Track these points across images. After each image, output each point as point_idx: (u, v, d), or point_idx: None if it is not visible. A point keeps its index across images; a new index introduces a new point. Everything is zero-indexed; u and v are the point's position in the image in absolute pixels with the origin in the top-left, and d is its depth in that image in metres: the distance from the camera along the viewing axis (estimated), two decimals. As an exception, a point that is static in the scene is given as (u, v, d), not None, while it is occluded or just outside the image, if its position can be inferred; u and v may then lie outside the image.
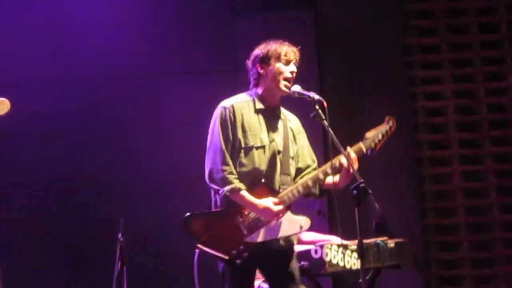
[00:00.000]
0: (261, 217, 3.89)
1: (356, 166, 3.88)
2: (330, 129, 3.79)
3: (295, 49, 4.05)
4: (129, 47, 6.11)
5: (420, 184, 6.19)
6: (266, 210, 3.88)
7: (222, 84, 5.93)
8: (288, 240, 4.00)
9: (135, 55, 6.14)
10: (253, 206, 3.88)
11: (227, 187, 3.87)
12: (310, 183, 3.96)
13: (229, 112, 3.96)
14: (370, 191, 3.58)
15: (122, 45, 6.09)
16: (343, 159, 3.90)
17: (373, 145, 4.05)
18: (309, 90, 3.97)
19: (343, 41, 6.22)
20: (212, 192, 3.99)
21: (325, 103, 3.85)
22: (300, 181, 4.00)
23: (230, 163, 3.90)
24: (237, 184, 3.88)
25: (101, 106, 6.16)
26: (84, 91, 6.15)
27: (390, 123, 4.13)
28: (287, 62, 3.99)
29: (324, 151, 4.83)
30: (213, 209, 3.98)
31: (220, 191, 3.89)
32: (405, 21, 6.32)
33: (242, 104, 4.01)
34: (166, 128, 6.15)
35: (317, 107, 3.86)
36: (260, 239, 3.89)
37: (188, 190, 5.72)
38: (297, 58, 4.04)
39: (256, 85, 4.07)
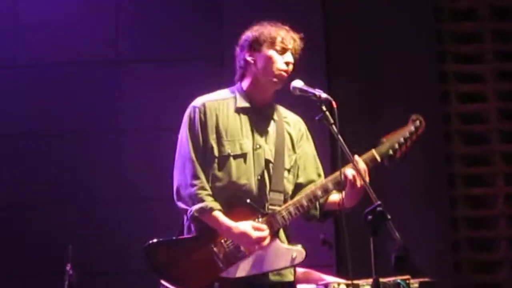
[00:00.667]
0: (241, 245, 3.88)
1: (366, 179, 3.87)
2: (339, 136, 3.79)
3: (296, 36, 4.05)
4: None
5: (452, 209, 6.21)
6: (243, 235, 3.86)
7: (203, 77, 6.02)
8: (280, 275, 3.99)
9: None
10: (227, 231, 3.88)
11: (196, 206, 3.87)
12: (305, 202, 3.95)
13: (199, 112, 3.98)
14: (389, 217, 3.58)
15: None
16: (348, 171, 3.89)
17: (391, 152, 4.06)
18: (314, 87, 3.98)
19: (358, 24, 6.24)
20: (184, 217, 4.00)
21: (334, 103, 3.85)
22: (293, 200, 3.99)
23: (202, 176, 3.92)
24: (208, 202, 3.88)
25: (49, 100, 6.20)
26: (33, 80, 6.24)
27: (417, 123, 4.11)
28: (283, 51, 4.00)
29: (331, 163, 4.84)
30: (185, 236, 3.99)
31: (188, 211, 3.89)
32: (437, 2, 6.36)
33: (218, 103, 4.02)
34: (124, 132, 6.22)
35: (324, 108, 3.84)
36: (240, 273, 3.89)
37: (158, 212, 5.78)
38: (297, 47, 4.05)
39: (242, 77, 4.09)
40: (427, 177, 6.09)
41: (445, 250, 6.12)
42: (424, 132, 4.09)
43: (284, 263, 3.95)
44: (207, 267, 3.88)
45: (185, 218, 4.00)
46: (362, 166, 3.91)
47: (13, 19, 6.29)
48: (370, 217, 3.60)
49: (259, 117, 4.05)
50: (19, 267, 6.04)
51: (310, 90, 3.93)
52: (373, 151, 4.04)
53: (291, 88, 4.00)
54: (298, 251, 3.94)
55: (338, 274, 5.74)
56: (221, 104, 4.03)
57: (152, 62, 6.23)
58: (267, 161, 4.00)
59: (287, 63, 4.00)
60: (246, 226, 3.88)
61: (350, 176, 3.89)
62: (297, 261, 3.95)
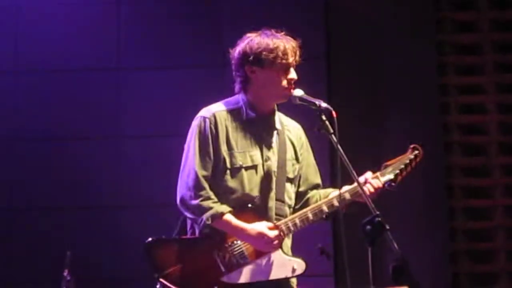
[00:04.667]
0: (255, 247, 3.89)
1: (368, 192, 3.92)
2: (339, 146, 3.79)
3: (295, 44, 4.01)
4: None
5: (451, 220, 6.20)
6: (260, 235, 3.88)
7: (203, 84, 6.03)
8: (284, 284, 4.00)
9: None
10: (243, 232, 3.89)
11: (207, 214, 3.88)
12: (310, 215, 3.97)
13: (210, 123, 3.96)
14: (387, 227, 3.59)
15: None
16: (354, 191, 3.93)
17: (392, 177, 4.10)
18: (314, 96, 3.98)
19: (360, 35, 6.25)
20: (189, 222, 4.01)
21: (334, 113, 3.85)
22: (299, 212, 4.01)
23: (206, 186, 3.91)
24: (217, 207, 3.89)
25: (50, 107, 6.21)
26: (33, 86, 6.27)
27: (416, 152, 4.16)
28: (286, 67, 3.96)
29: (331, 174, 4.85)
30: (189, 236, 3.99)
31: (199, 221, 3.90)
32: (439, 13, 6.36)
33: (227, 113, 4.01)
34: (125, 139, 6.21)
35: (323, 117, 3.85)
36: (242, 279, 3.90)
37: (157, 218, 5.78)
38: (298, 58, 4.02)
39: (244, 90, 4.05)
40: (426, 188, 6.08)
41: (444, 261, 6.11)
42: (422, 160, 4.15)
43: (285, 273, 3.96)
44: (208, 270, 3.89)
45: (189, 223, 4.01)
46: (376, 184, 3.99)
47: (14, 25, 6.29)
48: (368, 227, 3.60)
49: (264, 127, 4.06)
50: (16, 273, 6.03)
51: (310, 99, 3.94)
52: (378, 175, 4.07)
53: (291, 97, 4.00)
54: (298, 263, 3.97)
55: (337, 284, 5.75)
56: (230, 114, 4.01)
57: (153, 69, 6.23)
58: (274, 173, 4.02)
59: (290, 80, 3.98)
60: (262, 226, 3.91)
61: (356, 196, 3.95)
62: (297, 273, 3.97)
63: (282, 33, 4.03)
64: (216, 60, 6.00)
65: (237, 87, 4.08)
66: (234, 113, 4.02)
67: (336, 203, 3.96)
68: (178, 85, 6.16)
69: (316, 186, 4.17)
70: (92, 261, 5.80)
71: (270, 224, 3.93)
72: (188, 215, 3.95)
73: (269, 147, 4.04)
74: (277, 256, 3.95)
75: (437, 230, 6.13)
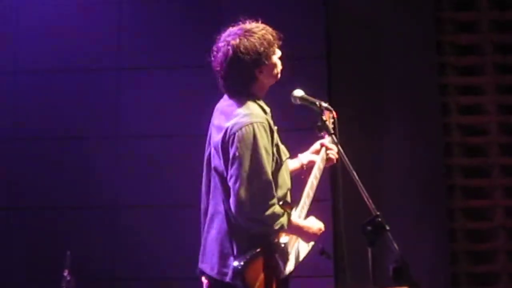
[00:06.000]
0: (312, 240, 3.96)
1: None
2: (340, 146, 3.80)
3: (269, 28, 4.02)
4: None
5: (451, 220, 6.20)
6: (320, 229, 3.97)
7: (203, 84, 6.02)
8: None
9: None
10: (309, 230, 3.94)
11: (282, 220, 3.81)
12: (311, 193, 4.05)
13: (266, 128, 3.85)
14: (387, 227, 3.59)
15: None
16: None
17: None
18: (315, 96, 3.98)
19: (360, 35, 6.25)
20: (246, 235, 3.86)
21: (334, 113, 3.86)
22: (307, 187, 4.06)
23: (275, 194, 3.83)
24: (285, 213, 3.85)
25: (49, 106, 6.22)
26: (33, 86, 6.27)
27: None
28: (278, 51, 3.99)
29: (331, 172, 4.84)
30: (249, 252, 3.84)
31: (273, 229, 3.80)
32: (439, 13, 6.36)
33: (266, 117, 3.94)
34: (124, 139, 6.22)
35: (324, 117, 3.87)
36: (288, 269, 3.91)
37: (157, 219, 5.79)
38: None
39: (248, 89, 3.96)
40: (426, 188, 6.08)
41: (443, 262, 6.11)
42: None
43: (307, 249, 4.01)
44: (273, 272, 3.85)
45: (246, 233, 3.84)
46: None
47: (13, 25, 6.30)
48: (368, 228, 3.61)
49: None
50: (16, 273, 6.04)
51: (311, 99, 3.95)
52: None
53: (291, 97, 4.00)
54: None
55: (337, 284, 5.75)
56: (267, 118, 3.96)
57: (153, 69, 6.23)
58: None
59: (279, 58, 4.00)
60: (318, 222, 3.99)
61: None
62: (310, 246, 4.00)
63: (254, 22, 4.05)
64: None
65: (233, 90, 3.99)
66: (266, 116, 3.97)
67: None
68: (178, 85, 6.16)
69: None
70: (92, 261, 5.80)
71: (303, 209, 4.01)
72: (257, 227, 3.80)
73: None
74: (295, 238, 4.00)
75: (437, 231, 6.12)
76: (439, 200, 6.17)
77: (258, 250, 3.81)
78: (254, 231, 3.80)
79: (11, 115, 6.23)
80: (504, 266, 6.16)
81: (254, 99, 3.95)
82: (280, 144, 3.95)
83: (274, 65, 3.95)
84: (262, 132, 3.80)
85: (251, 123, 3.81)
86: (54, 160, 6.16)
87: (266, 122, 3.85)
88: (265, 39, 3.92)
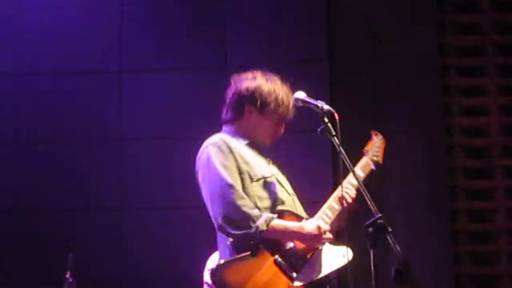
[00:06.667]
0: (309, 243, 3.89)
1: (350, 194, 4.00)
2: (341, 148, 3.80)
3: (293, 99, 4.06)
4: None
5: (453, 221, 6.20)
6: (318, 230, 3.89)
7: (205, 86, 6.03)
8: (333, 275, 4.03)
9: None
10: (300, 230, 3.89)
11: (260, 221, 3.83)
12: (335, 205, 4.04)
13: (223, 145, 3.98)
14: (389, 229, 3.59)
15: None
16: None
17: (376, 159, 4.27)
18: (316, 98, 3.99)
19: (362, 36, 6.25)
20: (226, 245, 3.92)
21: (336, 115, 3.86)
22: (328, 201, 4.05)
23: (245, 196, 3.89)
24: (266, 214, 3.87)
25: (51, 108, 6.22)
26: (36, 87, 6.26)
27: (379, 135, 4.38)
28: (282, 121, 4.10)
29: (333, 176, 4.85)
30: (242, 254, 3.87)
31: (252, 232, 3.82)
32: (441, 14, 6.37)
33: (229, 139, 4.05)
34: (131, 142, 6.22)
35: (326, 119, 3.86)
36: (309, 279, 3.88)
37: (158, 220, 5.79)
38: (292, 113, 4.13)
39: (234, 120, 4.14)
40: (428, 189, 6.08)
41: (446, 263, 6.10)
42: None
43: (341, 261, 3.94)
44: (277, 278, 3.84)
45: (227, 242, 3.91)
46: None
47: (16, 27, 6.30)
48: (370, 229, 3.60)
49: (260, 150, 4.14)
50: (18, 275, 6.04)
51: (312, 101, 3.95)
52: (366, 158, 4.23)
53: (293, 98, 4.02)
54: (346, 249, 3.93)
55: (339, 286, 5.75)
56: (232, 140, 4.05)
57: (155, 71, 6.23)
58: (285, 183, 4.12)
59: (278, 132, 4.13)
60: (314, 221, 3.94)
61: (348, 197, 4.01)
62: (349, 258, 3.93)
63: (286, 86, 4.13)
64: (218, 62, 6.02)
65: (226, 116, 4.15)
66: (233, 139, 4.07)
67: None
68: (180, 87, 6.16)
69: None
70: (93, 263, 5.81)
71: (319, 219, 3.96)
72: (236, 232, 3.85)
73: (270, 165, 4.13)
74: (325, 249, 3.96)
75: (440, 232, 6.12)
76: (441, 201, 6.17)
77: (246, 254, 3.83)
78: (237, 237, 3.85)
79: (13, 117, 6.23)
80: (507, 267, 6.16)
81: (240, 134, 4.09)
82: (254, 162, 4.01)
83: (267, 127, 4.07)
84: (217, 151, 3.94)
85: (206, 147, 3.99)
86: (56, 162, 6.16)
87: (221, 142, 3.97)
88: (281, 100, 4.06)
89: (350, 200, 4.02)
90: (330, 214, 4.01)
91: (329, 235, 3.94)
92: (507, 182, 6.24)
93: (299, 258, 3.90)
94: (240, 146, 4.05)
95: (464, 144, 6.30)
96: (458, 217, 6.22)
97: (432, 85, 6.24)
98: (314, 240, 3.91)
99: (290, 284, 3.84)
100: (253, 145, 4.11)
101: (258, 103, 4.05)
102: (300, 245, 3.93)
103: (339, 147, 3.79)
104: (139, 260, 5.94)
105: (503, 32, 6.35)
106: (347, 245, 3.95)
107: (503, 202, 6.22)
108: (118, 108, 6.23)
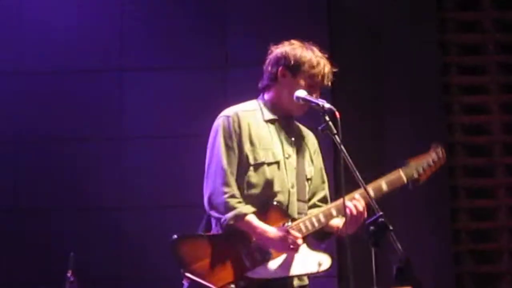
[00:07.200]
0: (273, 248, 3.90)
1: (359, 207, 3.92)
2: (343, 147, 3.79)
3: (332, 70, 4.06)
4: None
5: (454, 220, 6.20)
6: (279, 239, 3.89)
7: (206, 85, 6.03)
8: (301, 279, 4.02)
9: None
10: (262, 234, 3.90)
11: (229, 214, 3.89)
12: (322, 218, 3.98)
13: (233, 122, 3.99)
14: (391, 228, 3.59)
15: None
16: (348, 201, 3.90)
17: (416, 176, 4.12)
18: (317, 97, 3.99)
19: (363, 35, 6.25)
20: (213, 222, 4.01)
21: (337, 114, 3.86)
22: (312, 213, 4.02)
23: (233, 184, 3.93)
24: (241, 208, 3.90)
25: (52, 107, 6.22)
26: (36, 87, 6.27)
27: (439, 152, 4.18)
28: (315, 87, 4.03)
29: (334, 175, 4.84)
30: (213, 232, 3.98)
31: (222, 220, 3.90)
32: (442, 13, 6.37)
33: (248, 113, 4.05)
34: (132, 141, 6.22)
35: (327, 118, 3.85)
36: (266, 275, 3.90)
37: (160, 220, 5.79)
38: (329, 82, 4.08)
39: (268, 88, 4.11)
40: (429, 188, 6.05)
41: (447, 262, 6.11)
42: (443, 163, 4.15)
43: (312, 268, 3.96)
44: (233, 264, 3.89)
45: (214, 224, 4.00)
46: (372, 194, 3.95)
47: (17, 26, 6.30)
48: (372, 227, 3.61)
49: (284, 127, 4.10)
50: (19, 275, 6.04)
51: (313, 100, 3.95)
52: (400, 170, 4.10)
53: (294, 97, 4.02)
54: (325, 258, 3.96)
55: (340, 285, 5.75)
56: (251, 114, 4.05)
57: (156, 70, 6.23)
58: (295, 169, 4.06)
59: (316, 93, 4.03)
60: (282, 230, 3.91)
61: (350, 205, 3.93)
62: (323, 268, 3.96)
63: (324, 58, 4.09)
64: (219, 61, 6.02)
65: (261, 84, 4.13)
66: (255, 113, 4.07)
67: (338, 212, 3.98)
68: (181, 86, 6.16)
69: (322, 200, 4.17)
70: (95, 263, 5.81)
71: (291, 230, 3.91)
72: (214, 214, 3.95)
73: (289, 146, 4.08)
74: (302, 251, 3.95)
75: (441, 231, 6.13)
76: (442, 200, 6.18)
77: (210, 234, 3.93)
78: (215, 219, 3.94)
79: (14, 117, 6.23)
80: (508, 266, 6.17)
81: (268, 105, 4.07)
82: (266, 142, 4.00)
83: (300, 88, 3.99)
84: (226, 126, 3.98)
85: (220, 117, 4.04)
86: (57, 161, 6.16)
87: (234, 117, 3.99)
88: (316, 63, 4.02)
89: (355, 212, 3.96)
90: (316, 223, 3.97)
91: (299, 242, 3.90)
92: (508, 180, 6.25)
93: (263, 253, 3.91)
94: (258, 122, 4.03)
95: (465, 142, 6.30)
96: (459, 215, 6.22)
97: (433, 83, 6.24)
98: (277, 247, 3.91)
99: (244, 273, 3.88)
100: (278, 121, 4.07)
101: (292, 63, 4.01)
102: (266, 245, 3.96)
103: (340, 146, 3.79)
104: (139, 260, 5.94)
105: (504, 30, 6.36)
106: (329, 254, 3.98)
107: (504, 200, 6.23)
108: (119, 108, 6.23)
